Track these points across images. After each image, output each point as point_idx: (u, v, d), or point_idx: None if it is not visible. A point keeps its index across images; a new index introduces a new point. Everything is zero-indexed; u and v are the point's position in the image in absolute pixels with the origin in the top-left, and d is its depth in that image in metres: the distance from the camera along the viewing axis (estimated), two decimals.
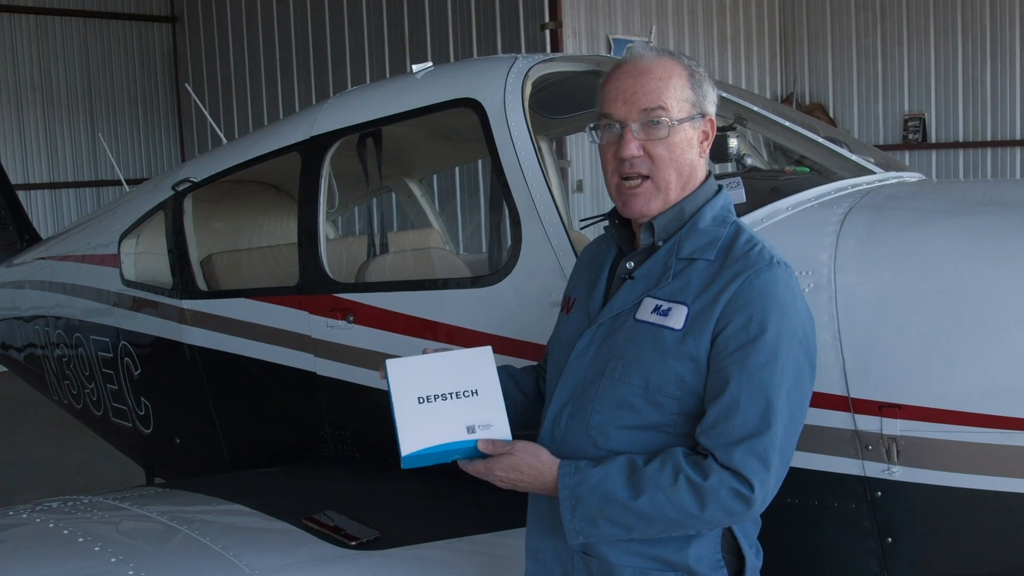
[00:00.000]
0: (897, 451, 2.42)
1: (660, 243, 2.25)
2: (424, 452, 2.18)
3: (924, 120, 11.27)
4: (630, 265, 2.27)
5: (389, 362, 2.26)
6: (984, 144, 10.99)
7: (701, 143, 2.26)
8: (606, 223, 2.42)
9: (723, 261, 2.16)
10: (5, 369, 7.75)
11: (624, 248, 2.35)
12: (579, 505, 2.12)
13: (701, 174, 2.29)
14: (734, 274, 2.12)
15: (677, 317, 2.13)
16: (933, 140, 11.28)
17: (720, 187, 2.32)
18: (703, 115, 2.24)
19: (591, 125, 2.28)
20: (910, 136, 11.34)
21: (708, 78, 2.28)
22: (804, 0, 12.11)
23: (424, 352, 2.33)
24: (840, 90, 11.93)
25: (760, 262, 2.13)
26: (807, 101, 12.13)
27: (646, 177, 2.21)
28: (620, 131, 2.20)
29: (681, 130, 2.20)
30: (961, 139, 11.11)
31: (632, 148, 2.19)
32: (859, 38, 11.70)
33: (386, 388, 2.24)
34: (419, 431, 2.18)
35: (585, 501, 2.11)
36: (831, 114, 11.90)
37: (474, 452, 2.20)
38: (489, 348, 2.32)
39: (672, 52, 2.26)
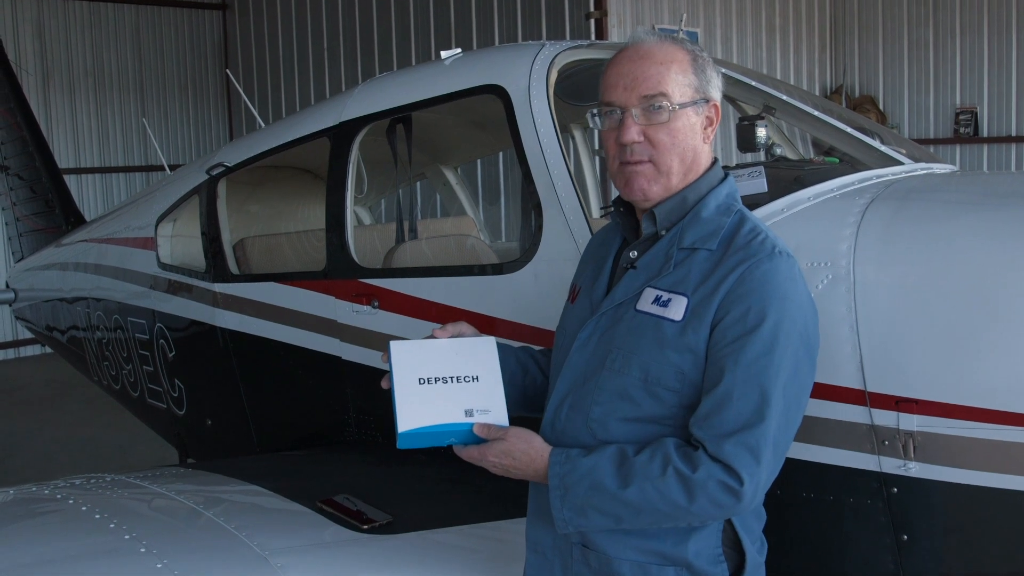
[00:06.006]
0: (914, 447, 2.38)
1: (663, 232, 2.22)
2: (421, 431, 2.19)
3: (976, 113, 11.06)
4: (633, 254, 2.25)
5: (393, 343, 2.28)
6: None
7: (705, 129, 2.22)
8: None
9: (724, 251, 2.13)
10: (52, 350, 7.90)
11: (628, 237, 2.32)
12: (568, 494, 2.11)
13: (705, 161, 2.25)
14: (734, 264, 2.09)
15: (677, 308, 2.11)
16: (985, 134, 11.07)
17: (726, 174, 2.28)
18: (707, 100, 2.21)
19: (592, 111, 2.26)
20: (961, 130, 11.13)
21: (712, 64, 2.24)
22: None
23: (433, 334, 2.35)
24: (891, 82, 11.75)
25: (761, 252, 2.09)
26: (857, 93, 11.96)
27: (648, 161, 2.18)
28: (621, 116, 2.18)
29: (683, 115, 2.17)
30: (1015, 133, 10.89)
31: (632, 133, 2.16)
32: (911, 29, 11.51)
33: (388, 369, 2.25)
34: (417, 410, 2.20)
35: (574, 490, 2.10)
36: (881, 107, 11.73)
37: (469, 436, 2.21)
38: (493, 338, 2.33)
39: (675, 38, 2.23)
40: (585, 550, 2.20)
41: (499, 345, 2.35)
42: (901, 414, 2.38)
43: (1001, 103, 10.96)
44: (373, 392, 3.75)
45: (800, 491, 2.53)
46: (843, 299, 2.46)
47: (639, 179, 2.19)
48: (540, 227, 3.11)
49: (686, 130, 2.18)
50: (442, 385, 2.22)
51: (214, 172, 4.61)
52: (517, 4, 10.14)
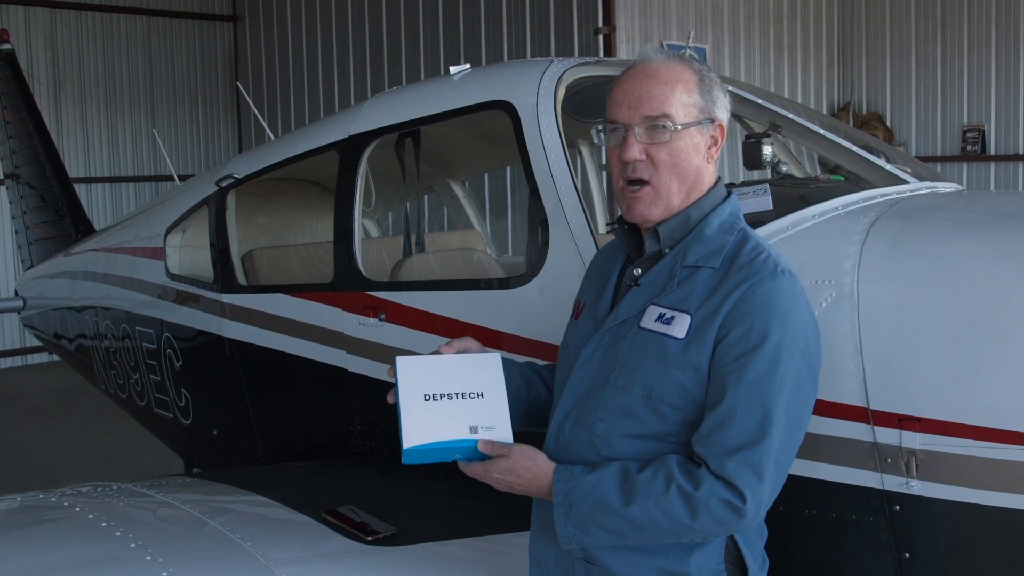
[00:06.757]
0: (916, 465, 2.38)
1: (666, 250, 2.23)
2: (426, 447, 2.20)
3: (983, 131, 11.06)
4: (637, 272, 2.26)
5: (399, 359, 2.29)
6: None
7: (709, 148, 2.23)
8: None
9: (728, 269, 2.14)
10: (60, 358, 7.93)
11: (632, 254, 2.33)
12: (572, 511, 2.12)
13: (708, 180, 2.26)
14: (737, 282, 2.10)
15: (680, 326, 2.12)
16: (992, 152, 11.07)
17: (730, 193, 2.30)
18: (711, 120, 2.22)
19: (597, 127, 2.28)
20: (968, 148, 11.14)
21: (719, 83, 2.25)
22: (863, 8, 11.94)
23: (439, 350, 2.36)
24: (898, 100, 11.75)
25: (764, 271, 2.11)
26: (864, 110, 11.96)
27: (647, 182, 2.20)
28: (624, 134, 2.20)
29: (686, 135, 2.18)
30: (1022, 151, 10.88)
31: (634, 151, 2.18)
32: (919, 47, 11.51)
33: (394, 384, 2.27)
34: (423, 426, 2.21)
35: (578, 507, 2.11)
36: (888, 124, 11.73)
37: (474, 453, 2.22)
38: (498, 354, 2.35)
39: (683, 57, 2.25)
40: (588, 565, 2.21)
41: (504, 360, 2.36)
42: (904, 432, 2.38)
43: (1009, 121, 10.96)
44: (379, 404, 3.77)
45: (802, 508, 2.54)
46: (847, 317, 2.47)
47: (639, 205, 2.22)
48: (546, 242, 3.13)
49: (688, 150, 2.19)
50: (447, 401, 2.24)
51: (223, 183, 4.63)
52: (526, 20, 10.17)
